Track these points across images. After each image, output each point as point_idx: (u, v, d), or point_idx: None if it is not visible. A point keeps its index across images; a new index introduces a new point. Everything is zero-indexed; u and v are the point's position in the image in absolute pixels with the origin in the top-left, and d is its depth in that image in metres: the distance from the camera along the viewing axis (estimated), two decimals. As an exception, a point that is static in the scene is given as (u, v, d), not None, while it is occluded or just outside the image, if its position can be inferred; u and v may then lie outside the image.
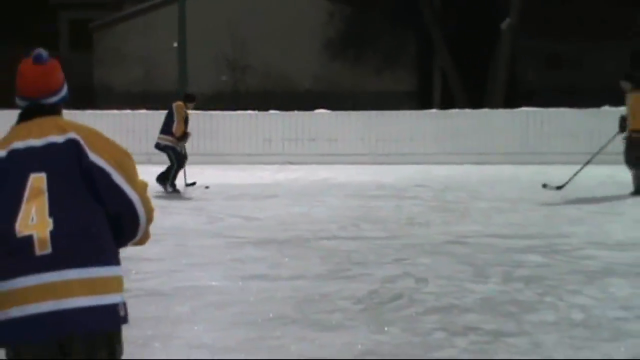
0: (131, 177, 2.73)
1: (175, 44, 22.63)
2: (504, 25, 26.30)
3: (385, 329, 4.94)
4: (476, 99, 25.68)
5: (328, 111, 19.69)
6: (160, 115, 13.75)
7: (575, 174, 12.01)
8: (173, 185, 12.65)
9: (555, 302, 5.59)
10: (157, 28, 30.28)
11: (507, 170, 16.44)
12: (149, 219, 2.78)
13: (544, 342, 4.64)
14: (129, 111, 19.40)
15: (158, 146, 12.91)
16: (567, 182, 11.93)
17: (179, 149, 12.82)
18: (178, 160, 12.74)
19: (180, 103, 12.98)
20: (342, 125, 19.09)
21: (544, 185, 11.96)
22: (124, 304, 2.66)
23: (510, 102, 24.06)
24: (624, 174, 12.10)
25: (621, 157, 12.02)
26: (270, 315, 5.28)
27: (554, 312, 5.32)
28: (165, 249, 7.54)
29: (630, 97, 11.93)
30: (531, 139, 18.67)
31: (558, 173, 12.36)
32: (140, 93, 29.27)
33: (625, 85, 12.08)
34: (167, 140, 12.82)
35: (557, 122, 18.62)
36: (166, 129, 12.85)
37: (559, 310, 5.37)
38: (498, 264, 6.91)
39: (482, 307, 5.46)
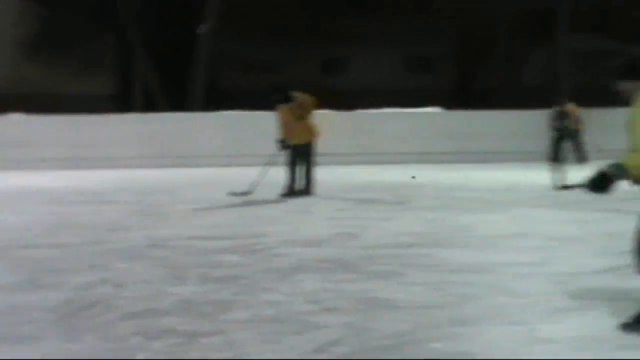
0: None
1: None
2: (201, 29, 26.71)
3: (79, 337, 4.85)
4: (177, 102, 25.88)
5: (22, 115, 18.90)
6: None
7: (257, 180, 12.43)
8: None
9: (248, 300, 5.80)
10: None
11: (208, 172, 16.73)
12: None
13: (237, 339, 4.80)
14: None
15: None
16: (251, 189, 12.29)
17: None
18: None
19: None
20: (37, 130, 18.38)
21: (232, 194, 12.13)
22: None
23: (213, 105, 24.51)
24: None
25: (313, 159, 12.74)
26: (-46, 332, 4.98)
27: (248, 310, 5.52)
28: None
29: (279, 109, 12.72)
30: (232, 141, 19.13)
31: (253, 174, 12.77)
32: None
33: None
34: None
35: (256, 124, 19.21)
36: None
37: (252, 307, 5.58)
38: (196, 266, 7.03)
39: (179, 310, 5.54)
